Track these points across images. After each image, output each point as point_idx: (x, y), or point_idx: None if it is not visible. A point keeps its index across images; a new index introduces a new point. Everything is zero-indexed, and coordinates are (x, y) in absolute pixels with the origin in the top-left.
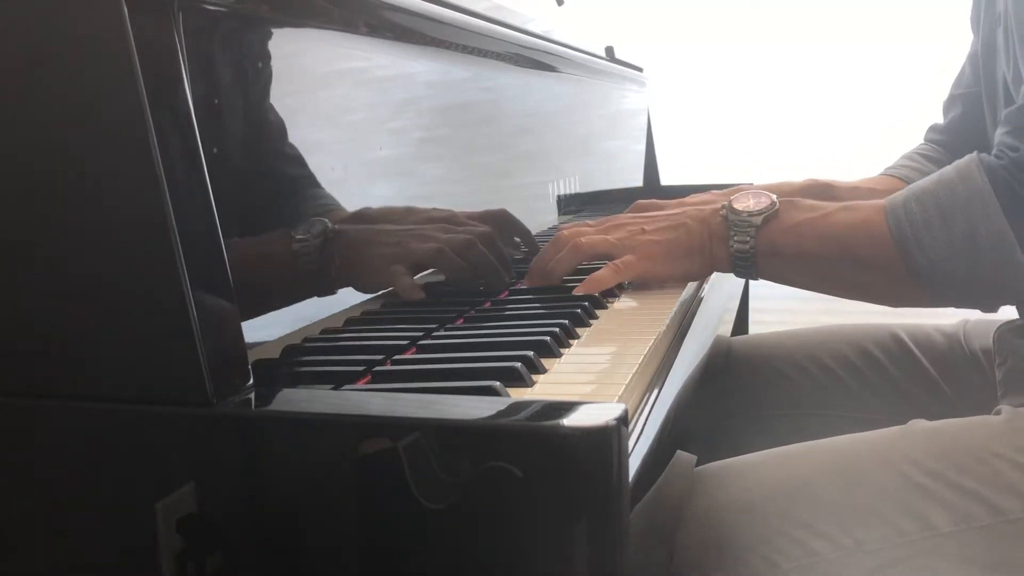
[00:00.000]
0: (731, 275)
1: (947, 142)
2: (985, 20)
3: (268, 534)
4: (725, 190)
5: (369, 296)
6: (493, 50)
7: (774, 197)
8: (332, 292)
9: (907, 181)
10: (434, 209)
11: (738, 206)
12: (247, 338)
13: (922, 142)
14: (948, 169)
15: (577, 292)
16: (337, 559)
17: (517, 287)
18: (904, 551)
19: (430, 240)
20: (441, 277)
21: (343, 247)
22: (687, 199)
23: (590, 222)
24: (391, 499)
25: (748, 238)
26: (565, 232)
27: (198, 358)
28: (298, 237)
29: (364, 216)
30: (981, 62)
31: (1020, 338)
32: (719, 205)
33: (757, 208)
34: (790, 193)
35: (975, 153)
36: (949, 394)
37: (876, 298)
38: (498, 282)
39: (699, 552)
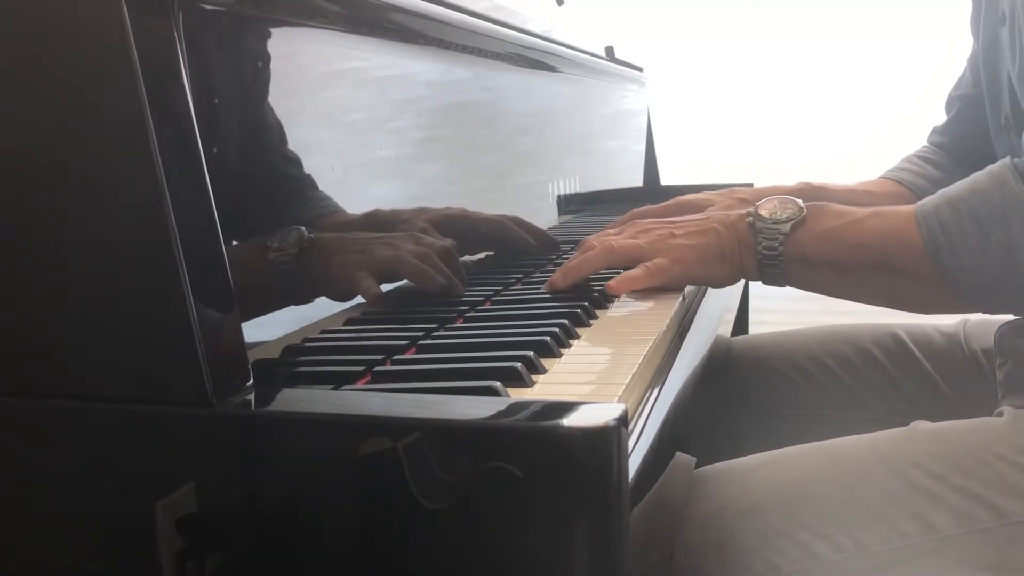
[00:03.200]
0: None
1: (946, 143)
2: (986, 20)
3: (268, 534)
4: (720, 191)
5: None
6: (493, 50)
7: (801, 203)
8: (309, 301)
9: (906, 185)
10: (447, 208)
11: (764, 212)
12: (247, 338)
13: (924, 144)
14: (981, 175)
15: (610, 288)
16: (337, 559)
17: (516, 287)
18: (906, 553)
19: (396, 247)
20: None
21: (318, 256)
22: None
23: (611, 230)
24: (391, 499)
25: (776, 245)
26: (593, 239)
27: (198, 358)
28: (274, 247)
29: (372, 218)
30: (982, 63)
31: (1021, 338)
32: (745, 211)
33: (784, 215)
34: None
35: (1008, 159)
36: (949, 394)
37: (907, 306)
38: (450, 291)
39: (700, 554)
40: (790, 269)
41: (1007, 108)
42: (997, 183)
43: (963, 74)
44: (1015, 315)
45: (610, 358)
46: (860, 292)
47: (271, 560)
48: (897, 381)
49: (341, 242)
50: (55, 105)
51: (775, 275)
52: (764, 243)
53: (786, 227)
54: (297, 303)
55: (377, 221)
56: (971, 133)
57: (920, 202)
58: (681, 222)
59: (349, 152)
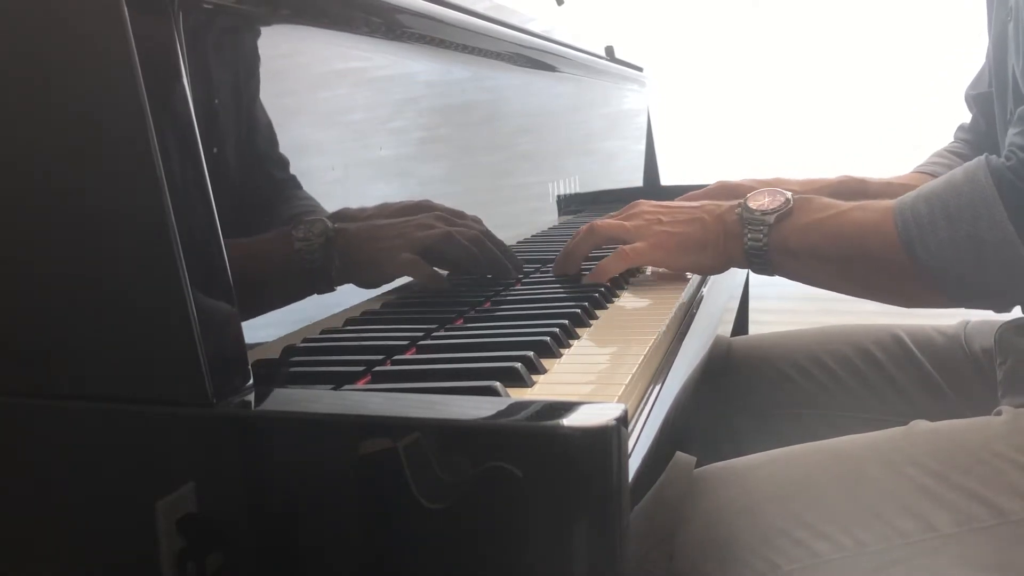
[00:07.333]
0: (731, 274)
1: (972, 140)
2: (996, 16)
3: (268, 534)
4: (705, 189)
5: (370, 296)
6: (493, 50)
7: (789, 195)
8: (332, 290)
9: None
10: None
11: (753, 204)
12: (247, 338)
13: (952, 140)
14: (957, 171)
15: (586, 281)
16: (337, 559)
17: (516, 287)
18: (905, 552)
19: (434, 226)
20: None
21: (346, 244)
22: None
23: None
24: (391, 499)
25: (761, 236)
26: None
27: (198, 358)
28: (299, 237)
29: (364, 213)
30: (992, 58)
31: (1021, 337)
32: (736, 203)
33: (771, 207)
34: (822, 189)
35: (984, 155)
36: (950, 395)
37: (887, 298)
38: (503, 271)
39: (699, 553)
40: (776, 259)
41: (1011, 103)
42: (969, 178)
43: (982, 70)
44: (992, 309)
45: (610, 358)
46: (843, 283)
47: (271, 560)
48: (898, 381)
49: (374, 229)
50: (55, 105)
51: (762, 265)
52: (750, 234)
53: (771, 218)
54: (320, 293)
55: (384, 216)
56: (988, 129)
57: (900, 196)
58: (673, 208)
59: (349, 152)
